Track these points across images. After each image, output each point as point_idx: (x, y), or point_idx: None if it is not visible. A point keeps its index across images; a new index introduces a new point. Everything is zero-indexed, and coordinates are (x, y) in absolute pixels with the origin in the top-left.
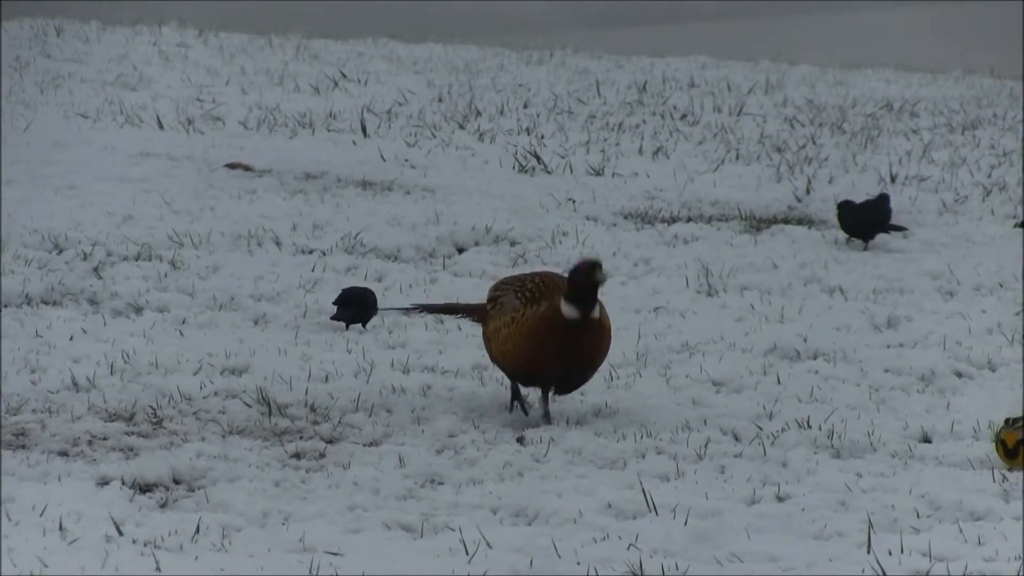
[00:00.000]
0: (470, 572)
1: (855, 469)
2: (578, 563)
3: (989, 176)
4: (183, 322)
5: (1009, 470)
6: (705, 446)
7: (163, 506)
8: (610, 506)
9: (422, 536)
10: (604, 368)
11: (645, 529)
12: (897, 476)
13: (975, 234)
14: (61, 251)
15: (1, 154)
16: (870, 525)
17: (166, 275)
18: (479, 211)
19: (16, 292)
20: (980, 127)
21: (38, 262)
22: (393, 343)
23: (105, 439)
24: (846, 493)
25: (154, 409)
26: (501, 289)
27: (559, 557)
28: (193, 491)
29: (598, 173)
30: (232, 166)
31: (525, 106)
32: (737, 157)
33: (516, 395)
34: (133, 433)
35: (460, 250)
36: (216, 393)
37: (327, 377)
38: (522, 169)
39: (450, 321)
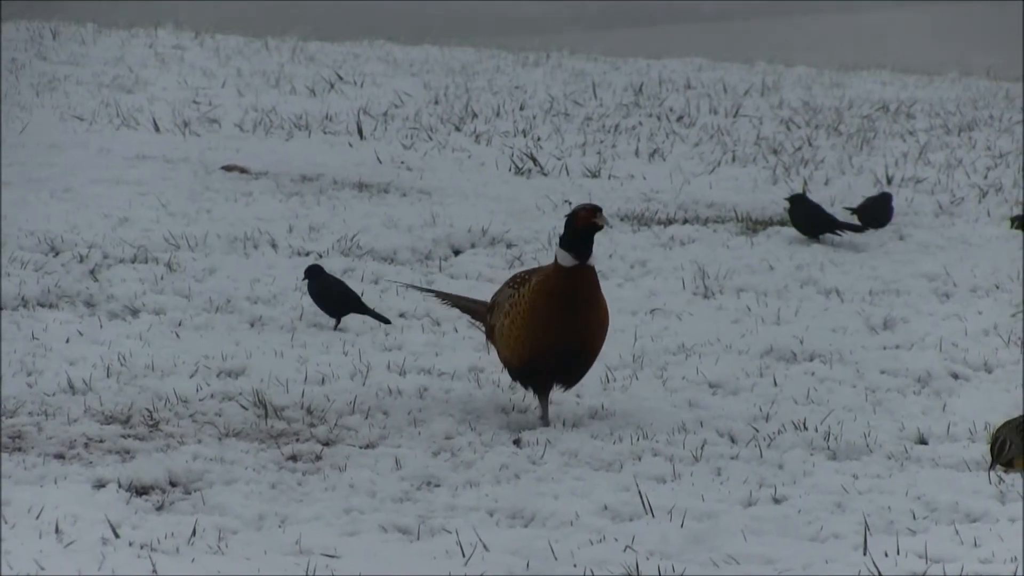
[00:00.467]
0: (466, 574)
1: (851, 471)
2: (574, 565)
3: (985, 178)
4: (179, 324)
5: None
6: (701, 448)
7: (159, 508)
8: (606, 508)
9: (418, 538)
10: (600, 370)
11: (641, 531)
12: (893, 478)
13: (971, 236)
14: (57, 253)
15: None
16: (866, 527)
17: (162, 277)
18: (475, 213)
19: (12, 294)
20: (976, 129)
21: (34, 264)
22: (389, 345)
23: (101, 442)
24: (842, 495)
25: (150, 412)
26: (496, 294)
27: (556, 559)
28: (189, 493)
29: (594, 175)
30: (228, 168)
31: (521, 108)
32: (733, 159)
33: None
34: (129, 436)
35: (456, 252)
36: (212, 395)
37: (323, 379)
38: (518, 171)
39: (447, 323)
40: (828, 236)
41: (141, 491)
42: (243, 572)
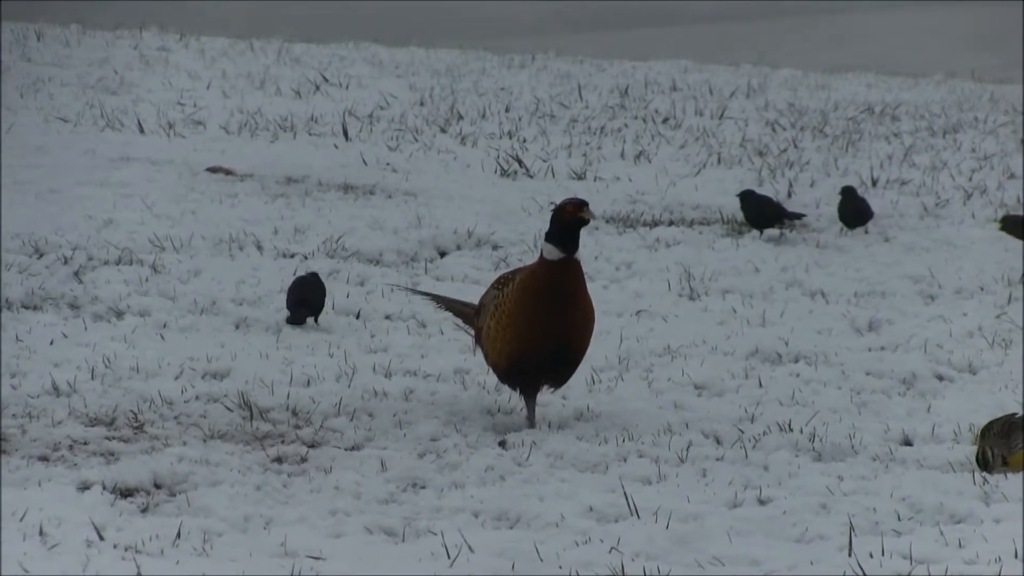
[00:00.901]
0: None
1: (836, 472)
2: (560, 567)
3: (970, 180)
4: (164, 326)
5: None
6: (687, 449)
7: (144, 511)
8: (592, 510)
9: (404, 540)
10: (586, 371)
11: (627, 532)
12: (878, 479)
13: (956, 238)
14: (42, 255)
15: None
16: (851, 528)
17: (147, 279)
18: (461, 215)
19: None
20: (961, 131)
21: (18, 266)
22: (375, 347)
23: (86, 444)
24: (827, 496)
25: (135, 414)
26: (483, 296)
27: (541, 561)
28: (174, 496)
29: (580, 177)
30: (213, 170)
31: (507, 110)
32: (719, 161)
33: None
34: (114, 438)
35: (442, 254)
36: (197, 397)
37: (309, 381)
38: (504, 173)
39: (432, 325)
40: (790, 227)
41: (126, 493)
42: (228, 574)
